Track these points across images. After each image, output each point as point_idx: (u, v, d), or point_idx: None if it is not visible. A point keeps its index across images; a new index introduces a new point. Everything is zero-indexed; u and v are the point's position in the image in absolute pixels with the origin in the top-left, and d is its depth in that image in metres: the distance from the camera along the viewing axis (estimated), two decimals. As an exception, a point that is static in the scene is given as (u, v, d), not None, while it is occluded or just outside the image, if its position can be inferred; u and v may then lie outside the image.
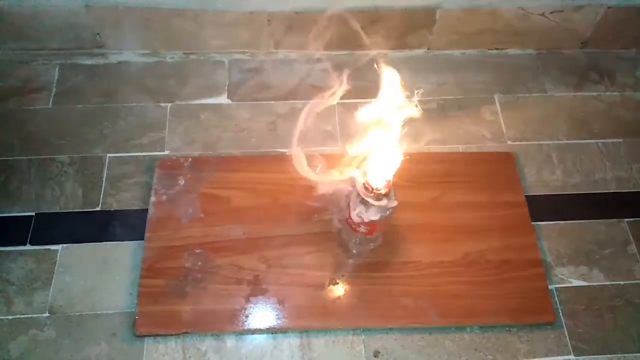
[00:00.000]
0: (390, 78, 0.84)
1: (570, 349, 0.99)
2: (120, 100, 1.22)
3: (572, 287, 1.05)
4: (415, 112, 0.85)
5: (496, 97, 1.27)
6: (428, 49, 1.32)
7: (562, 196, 1.15)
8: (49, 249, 1.03)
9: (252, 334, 0.97)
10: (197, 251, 1.02)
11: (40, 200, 1.08)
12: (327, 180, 0.95)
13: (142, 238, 1.03)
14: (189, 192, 1.08)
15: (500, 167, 1.16)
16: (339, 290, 1.00)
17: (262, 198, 1.08)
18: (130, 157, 1.14)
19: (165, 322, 0.96)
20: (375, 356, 0.97)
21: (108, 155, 1.14)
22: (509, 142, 1.21)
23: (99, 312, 0.98)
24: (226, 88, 1.25)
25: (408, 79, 0.84)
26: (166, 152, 1.16)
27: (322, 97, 1.03)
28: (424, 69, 1.31)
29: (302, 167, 0.96)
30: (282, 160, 1.10)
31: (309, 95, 1.24)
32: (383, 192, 0.88)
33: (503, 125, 1.23)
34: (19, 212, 1.07)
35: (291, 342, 0.97)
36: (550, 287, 1.03)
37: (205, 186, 1.09)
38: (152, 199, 1.07)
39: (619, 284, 1.05)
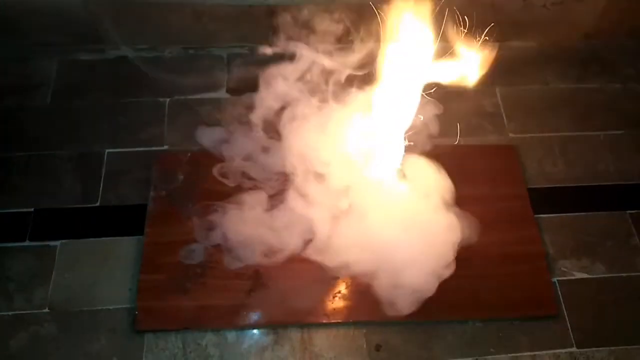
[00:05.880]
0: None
1: (573, 341, 0.98)
2: (118, 95, 1.21)
3: (575, 279, 1.04)
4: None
5: (497, 89, 1.26)
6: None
7: (564, 188, 1.14)
8: (48, 245, 1.03)
9: (253, 328, 0.97)
10: (197, 246, 1.02)
11: (39, 196, 1.08)
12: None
13: (141, 233, 1.03)
14: (188, 187, 1.08)
15: (501, 159, 1.15)
16: (340, 284, 1.00)
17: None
18: (129, 153, 1.14)
19: (165, 318, 0.96)
20: (376, 350, 0.96)
21: (107, 150, 1.14)
22: (511, 135, 1.20)
23: (98, 308, 0.98)
24: (225, 82, 1.24)
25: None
26: (165, 147, 1.15)
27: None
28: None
29: None
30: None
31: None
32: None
33: (504, 118, 1.22)
34: (18, 208, 1.07)
35: (292, 336, 0.97)
36: (552, 279, 1.03)
37: (205, 181, 1.09)
38: (152, 194, 1.07)
39: (622, 276, 1.05)
